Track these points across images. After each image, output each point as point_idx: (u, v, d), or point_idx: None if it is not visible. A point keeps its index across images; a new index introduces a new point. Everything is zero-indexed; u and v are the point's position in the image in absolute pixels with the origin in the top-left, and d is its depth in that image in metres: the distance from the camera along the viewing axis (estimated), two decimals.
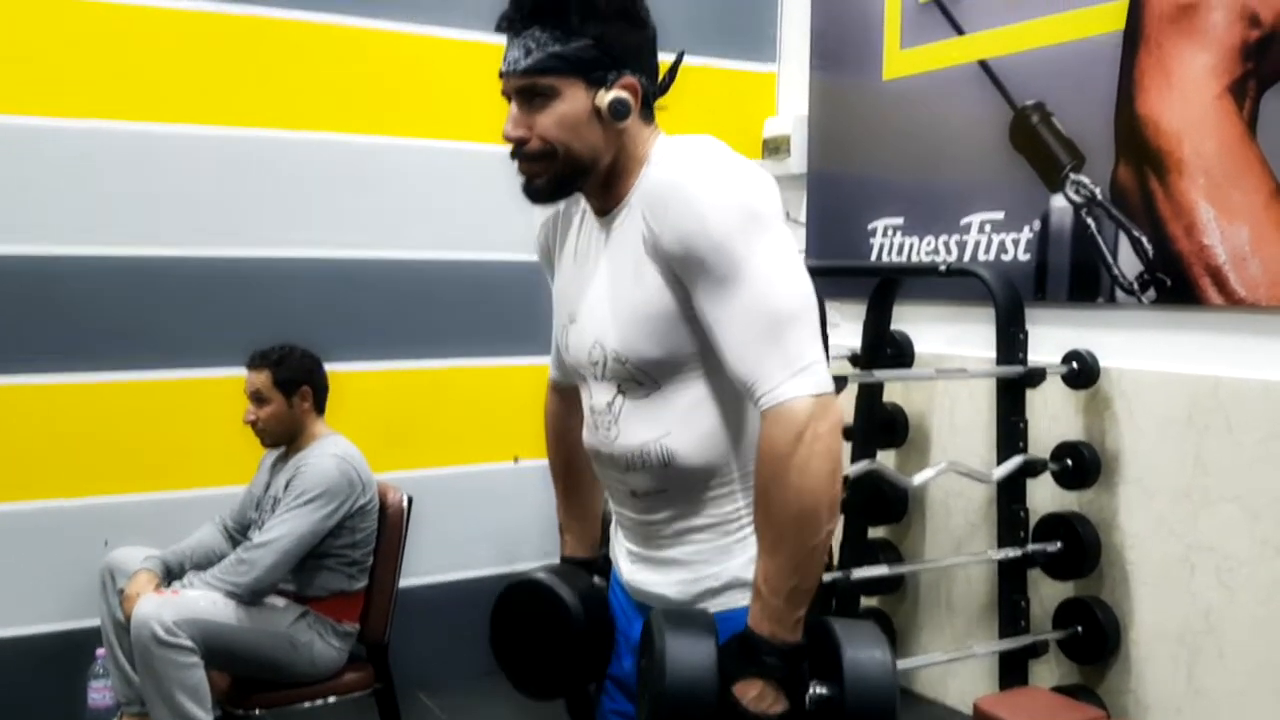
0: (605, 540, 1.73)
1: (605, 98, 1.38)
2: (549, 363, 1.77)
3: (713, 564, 1.46)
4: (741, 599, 1.43)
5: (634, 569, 1.55)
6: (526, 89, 1.39)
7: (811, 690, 1.31)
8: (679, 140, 1.44)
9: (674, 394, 1.42)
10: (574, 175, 1.42)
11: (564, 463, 1.77)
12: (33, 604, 3.16)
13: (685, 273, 1.35)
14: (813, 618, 1.34)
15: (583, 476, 1.75)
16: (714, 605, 1.46)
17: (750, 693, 1.31)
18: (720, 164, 1.37)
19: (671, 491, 1.46)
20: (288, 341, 2.98)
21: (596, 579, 1.68)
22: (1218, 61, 2.84)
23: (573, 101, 1.38)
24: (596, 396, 1.50)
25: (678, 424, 1.42)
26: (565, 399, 1.74)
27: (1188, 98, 2.90)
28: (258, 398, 2.90)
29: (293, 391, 2.91)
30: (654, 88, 1.45)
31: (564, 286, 1.56)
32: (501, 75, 1.41)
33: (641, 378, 1.43)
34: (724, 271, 1.32)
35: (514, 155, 1.42)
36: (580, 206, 1.54)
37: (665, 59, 1.49)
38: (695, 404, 1.42)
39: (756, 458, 1.33)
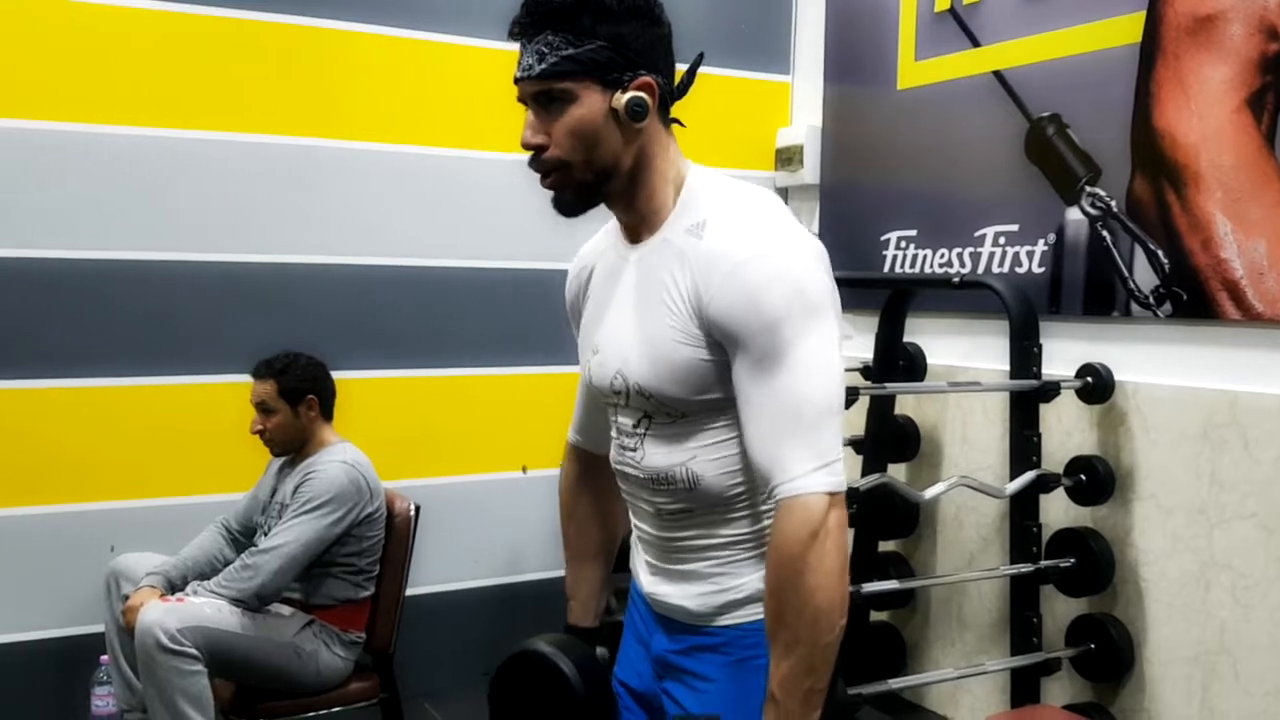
0: (621, 555, 1.71)
1: (622, 99, 1.36)
2: (571, 422, 1.74)
3: (735, 576, 1.45)
4: (762, 611, 1.42)
5: (654, 581, 1.54)
6: (542, 94, 1.37)
7: None
8: (729, 189, 1.41)
9: (701, 423, 1.41)
10: (597, 182, 1.40)
11: (575, 529, 1.75)
12: (37, 609, 3.14)
13: (728, 342, 1.34)
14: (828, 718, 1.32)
15: (592, 543, 1.74)
16: (735, 618, 1.45)
17: None
18: (780, 240, 1.34)
19: (697, 511, 1.45)
20: (294, 349, 2.97)
21: (599, 649, 1.67)
22: (1236, 74, 2.82)
23: (589, 104, 1.36)
24: (623, 420, 1.49)
25: (703, 449, 1.42)
26: (582, 464, 1.73)
27: (1205, 111, 2.87)
28: (264, 408, 2.89)
29: (298, 401, 2.89)
30: (671, 87, 1.43)
31: (591, 319, 1.55)
32: (516, 81, 1.40)
33: (667, 409, 1.42)
34: (765, 354, 1.30)
35: (532, 162, 1.41)
36: (609, 244, 1.52)
37: (680, 67, 1.47)
38: (721, 431, 1.41)
39: (769, 554, 1.32)
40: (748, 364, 1.32)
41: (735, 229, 1.35)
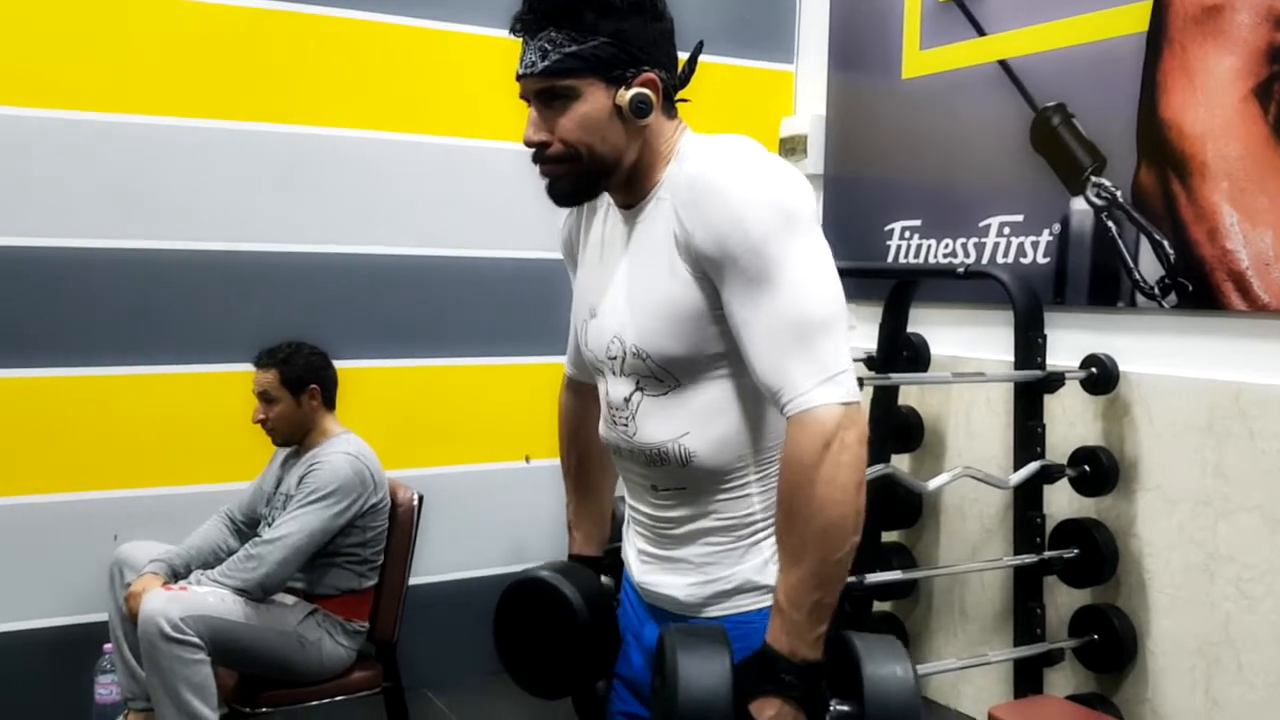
0: (615, 538, 1.71)
1: (626, 96, 1.35)
2: (565, 359, 1.75)
3: (725, 566, 1.44)
4: (753, 602, 1.42)
5: (645, 570, 1.53)
6: (545, 91, 1.36)
7: (831, 708, 1.27)
8: (711, 138, 1.41)
9: (693, 392, 1.40)
10: (598, 176, 1.40)
11: (576, 460, 1.75)
12: (41, 598, 3.15)
13: (716, 272, 1.32)
14: (833, 632, 1.30)
15: (594, 474, 1.73)
16: (725, 608, 1.44)
17: (767, 712, 1.27)
18: (757, 163, 1.33)
19: (690, 489, 1.44)
20: (296, 338, 2.97)
21: (604, 578, 1.66)
22: (1243, 64, 2.80)
23: (593, 102, 1.35)
24: (614, 391, 1.47)
25: (696, 423, 1.40)
26: (580, 396, 1.72)
27: (1212, 100, 2.86)
28: (266, 397, 2.88)
29: (300, 390, 2.89)
30: (674, 81, 1.42)
31: (585, 280, 1.54)
32: (519, 78, 1.39)
33: (661, 374, 1.40)
34: (757, 273, 1.29)
35: (536, 159, 1.40)
36: (605, 200, 1.51)
37: (682, 56, 1.46)
38: (714, 403, 1.40)
39: (781, 465, 1.30)
40: (739, 287, 1.30)
41: (711, 157, 1.35)
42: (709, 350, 1.37)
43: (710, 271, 1.33)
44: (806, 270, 1.29)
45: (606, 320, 1.46)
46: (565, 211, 1.58)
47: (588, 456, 1.73)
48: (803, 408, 1.26)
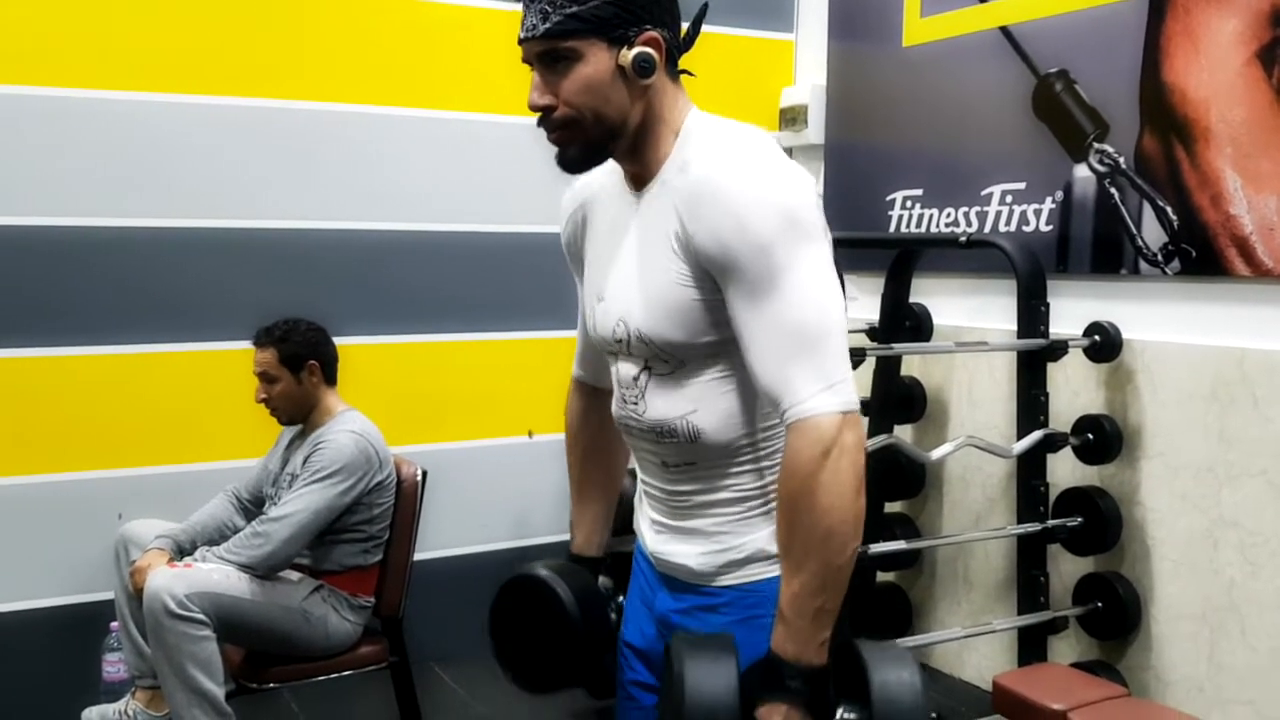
0: (624, 518, 1.70)
1: (629, 55, 1.34)
2: (574, 357, 1.72)
3: (737, 535, 1.44)
4: (763, 571, 1.42)
5: (658, 539, 1.54)
6: (547, 54, 1.35)
7: (839, 714, 1.28)
8: (721, 127, 1.40)
9: (700, 372, 1.40)
10: (605, 139, 1.38)
11: (580, 462, 1.74)
12: (47, 577, 3.16)
13: (719, 273, 1.32)
14: (839, 639, 1.31)
15: (597, 476, 1.73)
16: (737, 577, 1.44)
17: (774, 717, 1.28)
18: (764, 165, 1.33)
19: (700, 464, 1.44)
20: (300, 315, 2.96)
21: (601, 579, 1.66)
22: (1246, 27, 2.78)
23: (596, 63, 1.34)
24: (623, 370, 1.48)
25: (703, 401, 1.40)
26: (585, 398, 1.72)
27: (1215, 64, 2.83)
28: (266, 377, 2.88)
29: (300, 367, 2.88)
30: (677, 40, 1.41)
31: (593, 265, 1.53)
32: (520, 42, 1.37)
33: (667, 357, 1.41)
34: (760, 278, 1.28)
35: (541, 124, 1.39)
36: (610, 185, 1.50)
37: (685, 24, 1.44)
38: (721, 382, 1.40)
39: (781, 472, 1.31)
40: (742, 292, 1.30)
41: (718, 159, 1.34)
42: (711, 338, 1.37)
43: (713, 272, 1.33)
44: (809, 278, 1.29)
45: (612, 304, 1.46)
46: (570, 185, 1.57)
47: (591, 458, 1.72)
48: (802, 415, 1.27)
